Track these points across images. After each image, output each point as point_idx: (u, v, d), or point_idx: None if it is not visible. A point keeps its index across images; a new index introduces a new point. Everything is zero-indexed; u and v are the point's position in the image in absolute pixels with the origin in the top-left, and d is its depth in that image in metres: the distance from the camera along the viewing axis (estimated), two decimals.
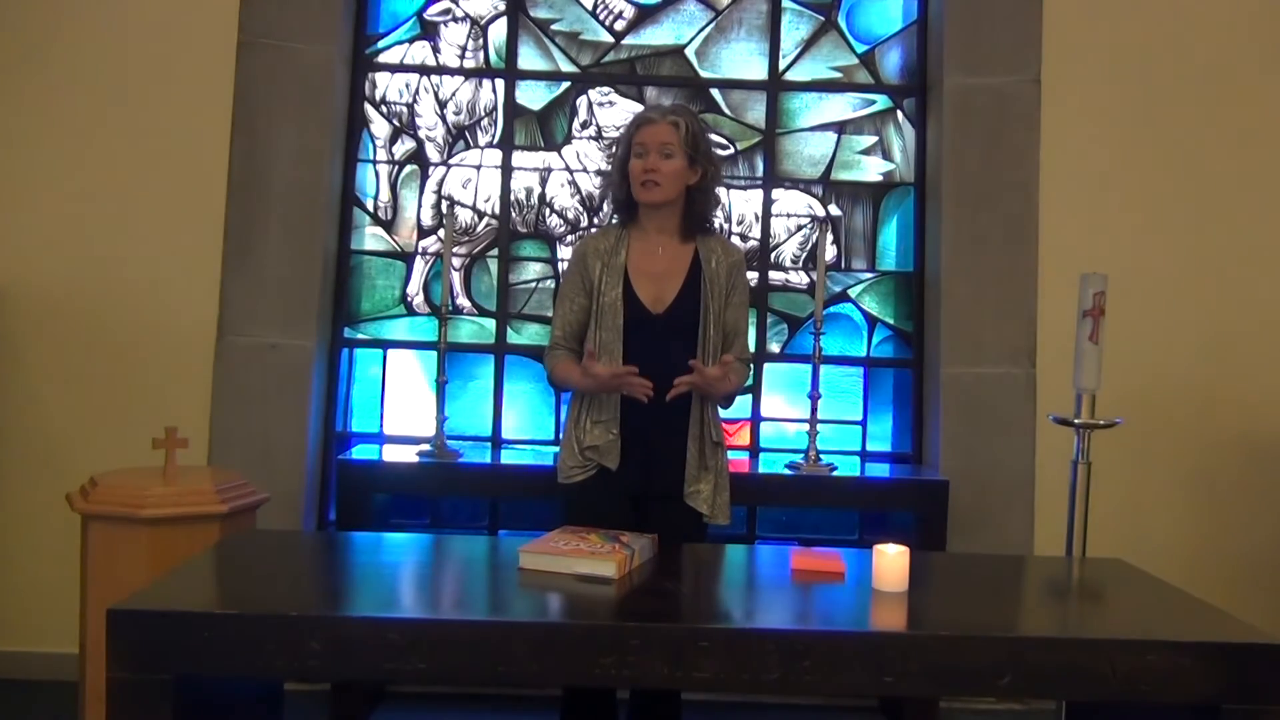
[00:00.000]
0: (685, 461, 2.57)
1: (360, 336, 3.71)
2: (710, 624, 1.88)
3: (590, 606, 1.96)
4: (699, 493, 2.58)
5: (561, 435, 2.72)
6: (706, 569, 2.34)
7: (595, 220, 3.65)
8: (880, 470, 3.48)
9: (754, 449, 3.69)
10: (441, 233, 3.64)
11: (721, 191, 2.90)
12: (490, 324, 3.70)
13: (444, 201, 3.71)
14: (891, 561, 2.05)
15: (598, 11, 3.73)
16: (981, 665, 1.80)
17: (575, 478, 2.60)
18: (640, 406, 2.50)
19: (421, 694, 3.41)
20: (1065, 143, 3.53)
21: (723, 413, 2.73)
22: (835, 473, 3.25)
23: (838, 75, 3.76)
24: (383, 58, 3.72)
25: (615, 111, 3.67)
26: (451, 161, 3.72)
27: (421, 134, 3.72)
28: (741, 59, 3.76)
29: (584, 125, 3.71)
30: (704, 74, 3.75)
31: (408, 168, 3.72)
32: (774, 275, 3.72)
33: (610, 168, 2.75)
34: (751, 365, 2.76)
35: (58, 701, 3.08)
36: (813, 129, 3.76)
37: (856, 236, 3.77)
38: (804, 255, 3.73)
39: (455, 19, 3.73)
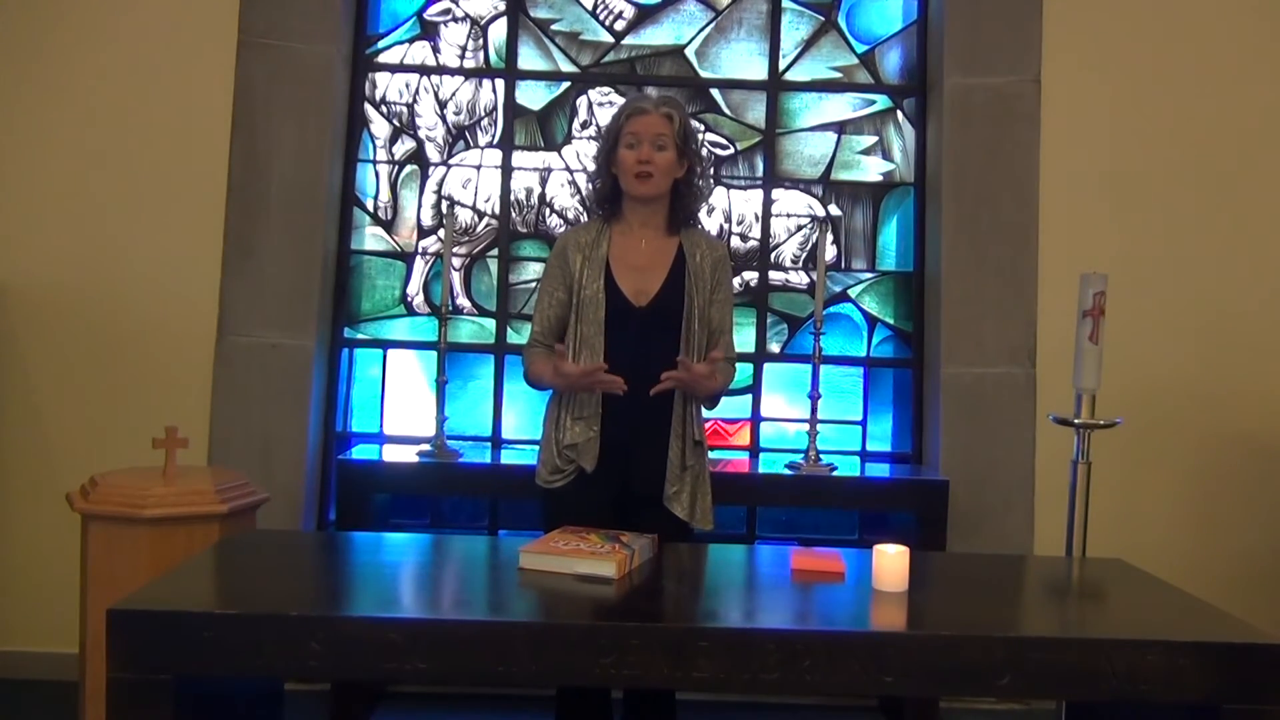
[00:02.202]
0: (667, 462, 2.52)
1: (360, 336, 3.71)
2: (710, 624, 1.88)
3: (590, 606, 1.96)
4: (678, 496, 2.53)
5: (541, 437, 2.67)
6: (706, 569, 2.33)
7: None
8: (880, 470, 3.47)
9: (754, 449, 3.69)
10: (441, 233, 3.64)
11: (707, 184, 2.84)
12: (490, 324, 3.70)
13: (444, 201, 3.71)
14: (891, 561, 2.05)
15: (598, 11, 3.73)
16: (981, 665, 1.80)
17: (554, 483, 2.56)
18: (622, 404, 2.46)
19: (421, 694, 3.42)
20: (1065, 143, 3.53)
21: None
22: (835, 473, 3.25)
23: (838, 75, 3.76)
24: (383, 58, 3.72)
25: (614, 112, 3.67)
26: (451, 161, 3.72)
27: (421, 134, 3.72)
28: (741, 59, 3.76)
29: (584, 125, 3.71)
30: (704, 74, 3.75)
31: (408, 168, 3.72)
32: (774, 275, 3.72)
33: (594, 161, 2.68)
34: (736, 365, 2.71)
35: (58, 701, 3.08)
36: (813, 129, 3.76)
37: (856, 236, 3.77)
38: (804, 255, 3.73)
39: (455, 19, 3.73)
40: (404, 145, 3.72)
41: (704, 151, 2.73)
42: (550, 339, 2.61)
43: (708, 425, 2.97)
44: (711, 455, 2.76)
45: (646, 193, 2.55)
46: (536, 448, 2.58)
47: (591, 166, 2.74)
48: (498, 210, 3.70)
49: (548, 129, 3.74)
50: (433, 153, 3.72)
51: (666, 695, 2.58)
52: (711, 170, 3.62)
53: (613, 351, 2.50)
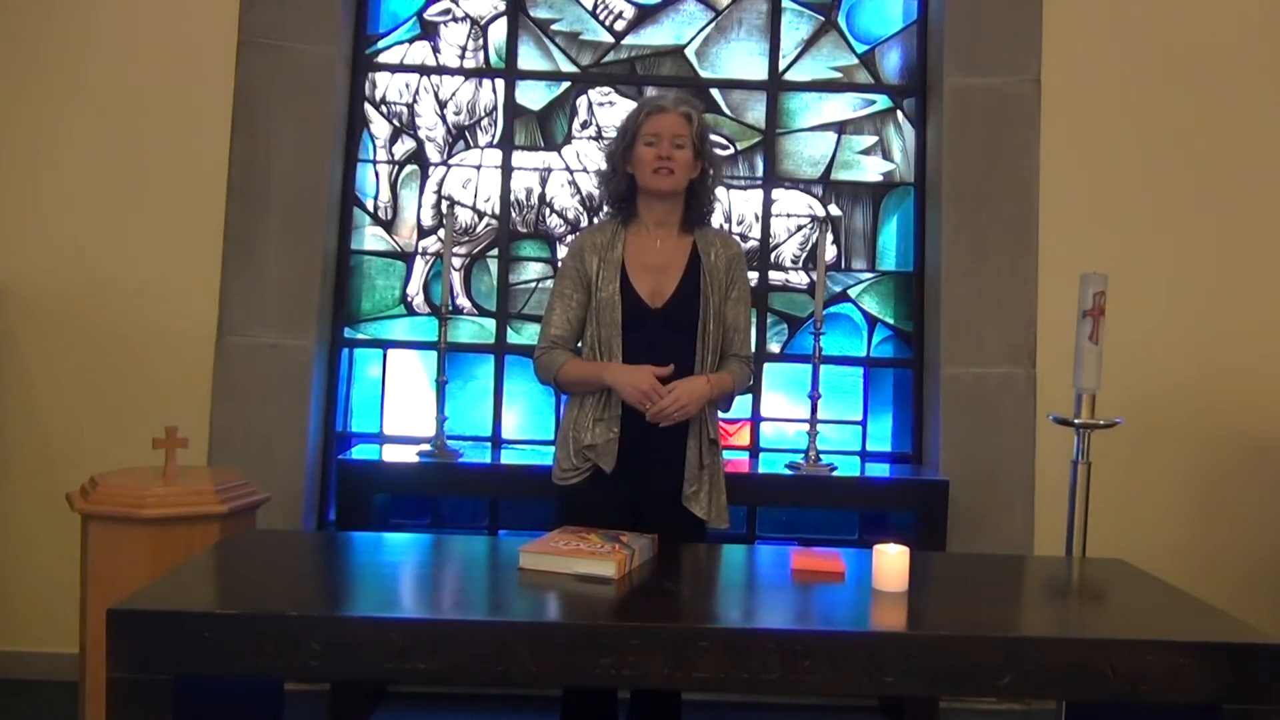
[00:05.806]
0: (685, 462, 2.54)
1: (360, 336, 3.71)
2: (710, 624, 1.89)
3: (590, 606, 1.96)
4: (696, 495, 2.55)
5: (557, 435, 2.68)
6: (706, 569, 2.34)
7: (595, 220, 3.65)
8: (880, 470, 3.47)
9: (754, 449, 3.69)
10: (441, 233, 3.64)
11: (720, 189, 2.86)
12: (490, 324, 3.70)
13: (444, 201, 3.71)
14: (891, 561, 2.05)
15: (598, 11, 3.73)
16: (981, 665, 1.80)
17: (571, 480, 2.57)
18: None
19: (421, 694, 3.42)
20: (1065, 143, 3.53)
21: (721, 413, 2.71)
22: (835, 473, 3.25)
23: (838, 75, 3.76)
24: (383, 58, 3.72)
25: (615, 111, 3.67)
26: (451, 161, 3.72)
27: (421, 134, 3.72)
28: (741, 59, 3.76)
29: (584, 125, 3.71)
30: (704, 74, 3.75)
31: (408, 168, 3.72)
32: (774, 275, 3.72)
33: (609, 159, 2.65)
34: (751, 365, 2.71)
35: (58, 701, 3.08)
36: (813, 129, 3.76)
37: (856, 236, 3.77)
38: (804, 255, 3.73)
39: (455, 19, 3.73)
40: (404, 145, 3.72)
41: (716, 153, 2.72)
42: (571, 341, 2.61)
43: None
44: None
45: (666, 188, 2.54)
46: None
47: (601, 166, 2.73)
48: (498, 210, 3.70)
49: (548, 129, 3.74)
50: (433, 153, 3.72)
51: (673, 695, 2.58)
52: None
53: (630, 352, 2.52)
